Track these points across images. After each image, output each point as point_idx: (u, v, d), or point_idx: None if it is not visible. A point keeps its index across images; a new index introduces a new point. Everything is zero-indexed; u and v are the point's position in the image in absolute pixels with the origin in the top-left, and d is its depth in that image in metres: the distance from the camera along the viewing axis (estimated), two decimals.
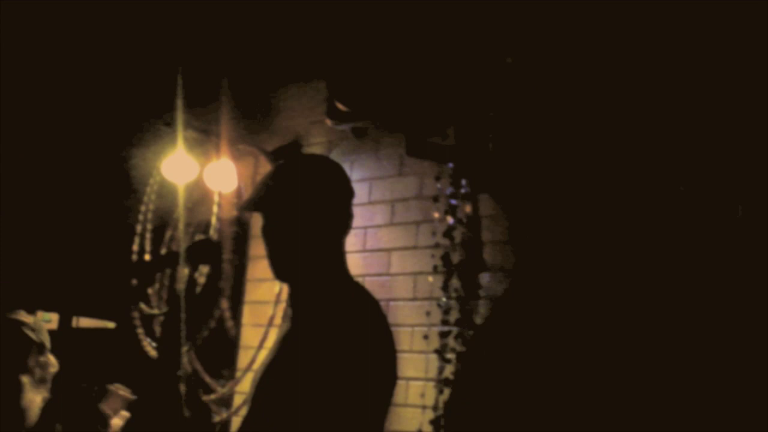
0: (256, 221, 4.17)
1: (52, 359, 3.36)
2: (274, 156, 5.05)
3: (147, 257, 5.30)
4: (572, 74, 3.50)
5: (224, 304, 5.11)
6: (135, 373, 5.48)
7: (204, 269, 5.00)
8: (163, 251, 5.39)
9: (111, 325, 6.16)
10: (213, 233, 5.00)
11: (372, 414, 2.31)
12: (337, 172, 2.56)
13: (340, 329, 2.29)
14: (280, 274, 2.49)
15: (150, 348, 5.27)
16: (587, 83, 3.43)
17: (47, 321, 6.96)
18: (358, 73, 4.04)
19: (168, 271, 5.27)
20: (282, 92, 5.29)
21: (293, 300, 2.49)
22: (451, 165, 4.07)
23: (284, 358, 2.39)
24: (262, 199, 2.47)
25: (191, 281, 2.83)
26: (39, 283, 5.80)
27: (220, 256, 4.78)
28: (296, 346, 2.35)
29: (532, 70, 3.59)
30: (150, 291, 5.32)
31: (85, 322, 6.79)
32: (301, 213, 2.43)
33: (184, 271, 2.71)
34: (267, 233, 2.47)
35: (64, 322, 6.82)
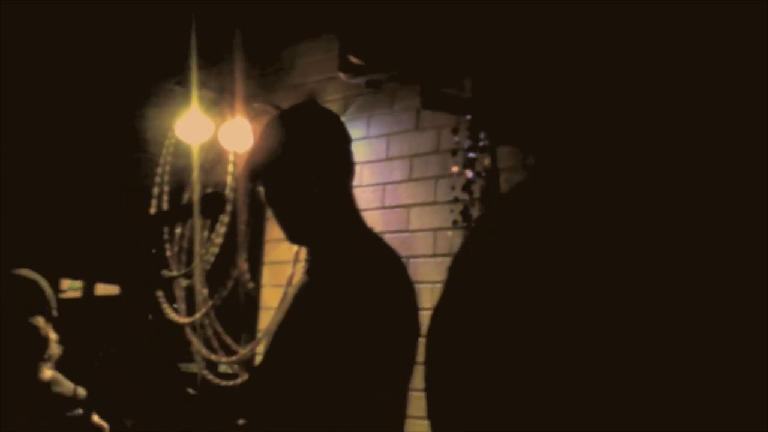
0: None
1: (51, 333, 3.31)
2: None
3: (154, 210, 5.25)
4: (593, 22, 3.40)
5: (243, 265, 5.06)
6: (155, 337, 5.46)
7: (221, 229, 4.95)
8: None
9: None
10: (229, 193, 4.94)
11: (394, 370, 2.24)
12: (324, 118, 2.49)
13: (358, 283, 2.24)
14: (292, 237, 2.45)
15: (171, 312, 5.24)
16: (609, 32, 3.33)
17: (74, 289, 6.94)
18: (370, 25, 3.96)
19: (185, 233, 5.24)
20: (296, 48, 5.21)
21: (311, 256, 2.43)
22: (468, 117, 3.99)
23: (301, 314, 2.34)
24: (255, 170, 2.41)
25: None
26: (61, 252, 5.77)
27: (226, 208, 4.71)
28: (314, 302, 2.30)
29: (550, 19, 3.49)
30: (169, 253, 5.28)
31: (106, 289, 6.75)
32: (297, 172, 2.35)
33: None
34: (270, 200, 2.41)
35: (88, 289, 6.80)
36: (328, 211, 2.38)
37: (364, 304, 2.20)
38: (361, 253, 2.34)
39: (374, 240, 2.42)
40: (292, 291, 2.49)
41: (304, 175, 2.35)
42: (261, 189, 2.42)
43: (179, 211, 3.04)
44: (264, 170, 2.39)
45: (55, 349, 3.28)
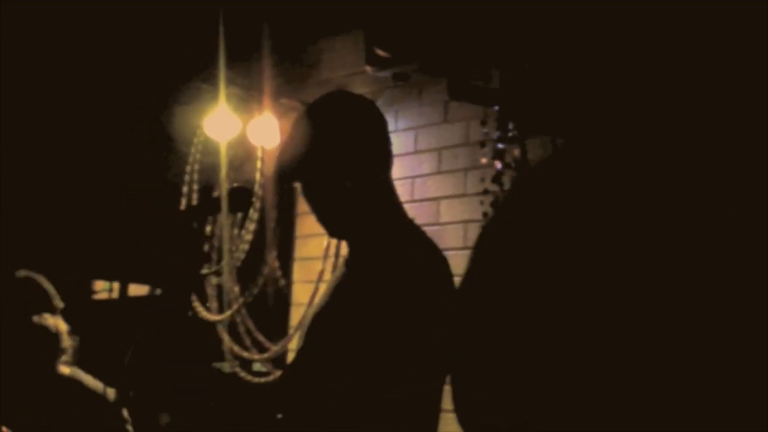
0: None
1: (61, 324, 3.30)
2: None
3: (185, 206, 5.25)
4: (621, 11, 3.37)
5: (273, 261, 5.06)
6: (186, 337, 5.46)
7: (251, 226, 4.94)
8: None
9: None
10: (258, 190, 4.93)
11: (426, 362, 2.21)
12: (355, 106, 2.42)
13: (391, 277, 2.20)
14: (331, 232, 2.40)
15: (202, 309, 5.24)
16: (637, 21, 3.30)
17: (108, 291, 6.96)
18: (396, 16, 3.94)
19: (215, 231, 5.23)
20: (322, 44, 5.20)
21: (349, 249, 2.39)
22: (496, 108, 3.96)
23: (336, 308, 2.31)
24: (288, 166, 2.36)
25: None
26: (94, 253, 5.79)
27: (253, 203, 4.69)
28: (348, 296, 2.27)
29: (578, 10, 3.46)
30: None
31: (139, 289, 6.77)
32: (330, 165, 2.29)
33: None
34: (307, 196, 2.35)
35: (124, 290, 6.82)
36: (364, 203, 2.32)
37: (396, 297, 2.16)
38: (395, 246, 2.29)
39: (411, 231, 2.37)
40: (329, 282, 2.44)
41: (337, 168, 2.29)
42: (297, 185, 2.41)
43: (207, 206, 3.03)
44: (297, 166, 2.33)
45: (68, 341, 3.27)
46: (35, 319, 3.23)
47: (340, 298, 2.32)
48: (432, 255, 2.31)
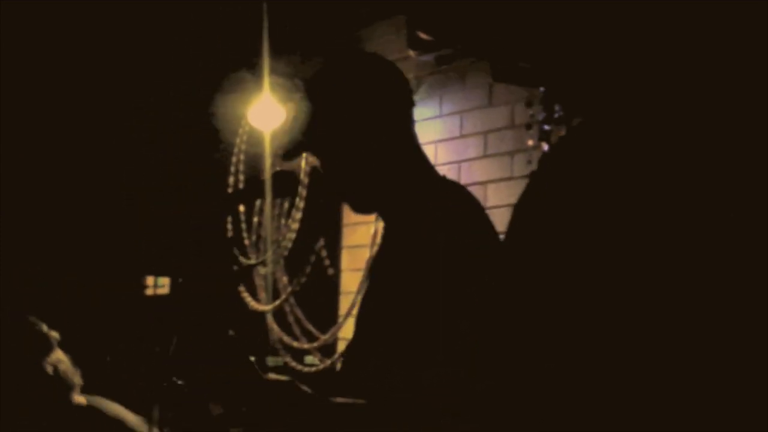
0: None
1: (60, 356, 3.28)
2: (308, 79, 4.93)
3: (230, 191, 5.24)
4: None
5: (321, 250, 5.05)
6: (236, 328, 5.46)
7: (297, 215, 4.93)
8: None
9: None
10: (304, 178, 4.91)
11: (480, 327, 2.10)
12: (374, 68, 2.20)
13: (439, 240, 2.00)
14: (361, 208, 2.22)
15: (251, 300, 5.24)
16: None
17: (161, 286, 6.99)
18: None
19: (262, 221, 5.23)
20: (365, 31, 5.17)
21: (385, 221, 2.21)
22: (542, 89, 3.91)
23: (386, 285, 2.14)
24: (303, 142, 2.16)
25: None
26: (144, 249, 5.81)
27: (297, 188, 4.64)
28: (397, 271, 2.08)
29: None
30: (246, 242, 5.28)
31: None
32: (352, 132, 2.09)
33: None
34: (327, 173, 2.16)
35: (175, 286, 6.83)
36: (391, 168, 2.13)
37: (448, 261, 1.98)
38: (436, 208, 2.08)
39: (449, 190, 2.17)
40: (371, 261, 2.28)
41: (356, 134, 2.10)
42: (315, 161, 2.24)
43: (251, 191, 2.97)
44: (312, 139, 2.13)
45: (74, 378, 3.26)
46: (38, 360, 3.22)
47: (390, 275, 2.14)
48: (478, 212, 2.12)
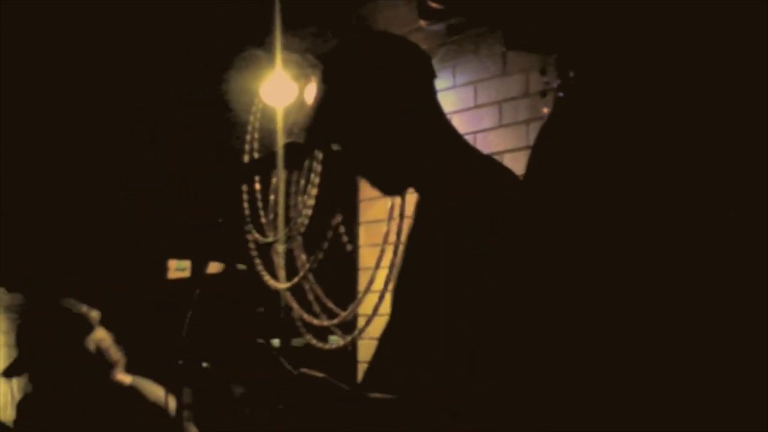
0: None
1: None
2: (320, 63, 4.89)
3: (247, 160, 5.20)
4: None
5: (338, 226, 5.01)
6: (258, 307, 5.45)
7: (313, 191, 4.90)
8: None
9: (242, 266, 6.14)
10: (318, 154, 4.87)
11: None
12: (389, 44, 2.13)
13: (480, 212, 1.93)
14: (392, 189, 2.15)
15: (269, 278, 5.22)
16: None
17: (182, 269, 6.98)
18: None
19: (278, 199, 5.20)
20: (376, 3, 5.12)
21: (420, 195, 2.14)
22: (556, 56, 3.85)
23: (426, 261, 2.06)
24: (325, 128, 2.07)
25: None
26: (165, 233, 5.81)
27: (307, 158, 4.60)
28: (438, 246, 2.01)
29: None
30: (263, 220, 5.25)
31: (213, 267, 6.78)
32: (376, 115, 2.02)
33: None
34: (354, 159, 2.08)
35: (200, 269, 6.78)
36: (423, 144, 2.06)
37: (485, 233, 1.89)
38: (472, 181, 2.02)
39: (481, 162, 2.12)
40: (407, 239, 2.17)
41: (385, 114, 2.02)
42: (334, 145, 2.09)
43: (262, 163, 2.94)
44: (337, 126, 2.05)
45: (115, 354, 3.27)
46: (79, 340, 3.23)
47: (424, 251, 2.08)
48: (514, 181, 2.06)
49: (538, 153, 1.45)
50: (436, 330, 1.98)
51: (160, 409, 3.11)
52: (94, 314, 3.28)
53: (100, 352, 3.23)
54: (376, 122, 2.02)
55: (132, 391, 3.23)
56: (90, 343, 3.23)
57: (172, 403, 3.20)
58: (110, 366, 3.25)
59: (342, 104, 2.04)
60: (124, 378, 3.27)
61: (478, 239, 1.90)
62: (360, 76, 2.04)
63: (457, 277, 1.92)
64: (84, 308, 3.26)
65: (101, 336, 3.27)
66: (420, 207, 2.16)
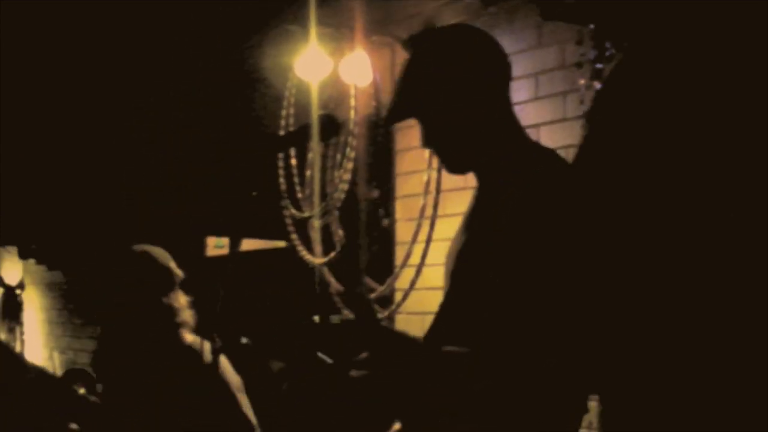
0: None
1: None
2: (408, 44, 4.88)
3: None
4: None
5: (375, 200, 5.01)
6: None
7: (349, 165, 4.89)
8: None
9: (281, 244, 6.16)
10: (354, 128, 4.87)
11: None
12: (479, 38, 2.36)
13: (538, 200, 2.13)
14: (457, 169, 2.36)
15: (306, 253, 5.23)
16: None
17: (220, 246, 7.00)
18: None
19: (314, 174, 5.20)
20: None
21: (479, 179, 2.34)
22: (592, 27, 3.81)
23: (480, 240, 2.23)
24: (407, 104, 2.29)
25: None
26: (204, 210, 5.84)
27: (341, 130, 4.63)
28: (495, 228, 2.18)
29: None
30: (300, 195, 5.26)
31: (251, 244, 6.80)
32: (455, 100, 2.25)
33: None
34: (429, 136, 2.30)
35: (234, 245, 6.79)
36: (489, 132, 2.28)
37: (549, 221, 2.10)
38: (529, 170, 2.22)
39: (544, 155, 2.31)
40: (463, 217, 2.38)
41: (460, 100, 2.25)
42: (418, 124, 2.32)
43: (296, 135, 3.00)
44: (418, 104, 2.28)
45: (187, 316, 3.31)
46: (155, 295, 3.27)
47: (481, 232, 2.25)
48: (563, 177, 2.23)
49: (588, 137, 1.48)
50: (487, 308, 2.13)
51: (216, 372, 3.15)
52: (179, 273, 3.33)
53: (174, 310, 3.28)
54: (452, 106, 2.25)
55: (191, 351, 3.27)
56: (171, 299, 3.28)
57: (228, 368, 3.26)
58: (179, 325, 3.29)
59: (425, 89, 2.27)
60: (190, 338, 3.31)
61: (528, 228, 2.09)
62: (445, 63, 2.27)
63: (509, 261, 2.10)
64: (172, 264, 3.32)
65: (178, 296, 3.32)
66: (479, 191, 2.36)
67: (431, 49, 2.33)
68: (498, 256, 2.13)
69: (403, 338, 2.20)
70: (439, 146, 2.31)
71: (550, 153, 2.32)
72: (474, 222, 2.31)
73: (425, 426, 2.17)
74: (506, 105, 2.31)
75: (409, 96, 2.29)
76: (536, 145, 2.37)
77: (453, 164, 2.34)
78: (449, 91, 2.25)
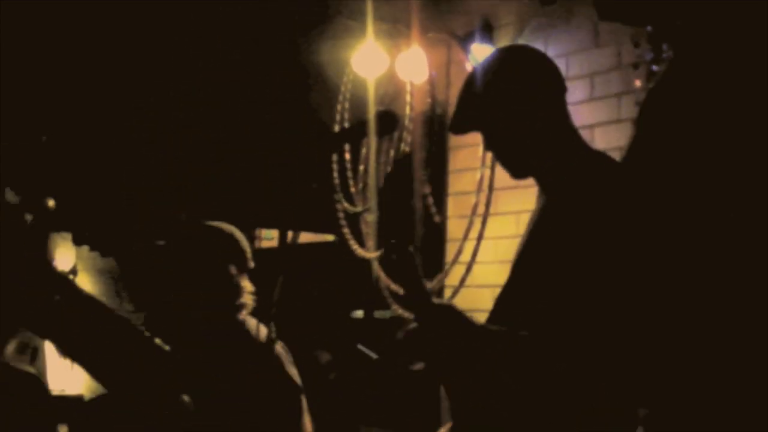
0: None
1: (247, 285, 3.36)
2: (464, 41, 4.89)
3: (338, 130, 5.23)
4: None
5: (429, 198, 5.03)
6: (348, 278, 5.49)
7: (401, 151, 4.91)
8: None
9: (330, 237, 6.20)
10: (409, 124, 4.89)
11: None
12: (534, 57, 2.53)
13: (598, 205, 2.27)
14: (518, 175, 2.51)
15: (357, 248, 5.26)
16: None
17: (269, 239, 7.04)
18: None
19: (368, 168, 5.23)
20: None
21: (540, 183, 2.50)
22: (649, 28, 3.80)
23: (542, 245, 2.38)
24: (471, 116, 2.48)
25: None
26: (255, 202, 5.87)
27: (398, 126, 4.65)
28: (554, 231, 2.34)
29: None
30: (353, 190, 5.29)
31: (303, 237, 6.83)
32: (516, 113, 2.42)
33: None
34: (491, 146, 2.48)
35: (284, 238, 6.83)
36: (549, 142, 2.45)
37: (607, 226, 2.22)
38: (592, 174, 2.38)
39: (598, 159, 2.46)
40: (530, 218, 2.55)
41: (521, 114, 2.43)
42: (481, 134, 2.49)
43: (354, 131, 3.02)
44: (482, 116, 2.46)
45: (248, 299, 3.34)
46: (224, 269, 3.30)
47: (544, 234, 2.40)
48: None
49: (638, 139, 1.50)
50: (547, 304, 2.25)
51: (270, 353, 3.17)
52: (250, 257, 3.37)
53: (240, 291, 3.31)
54: (515, 119, 2.44)
55: (245, 333, 3.30)
56: (240, 279, 3.32)
57: (281, 351, 3.29)
58: (240, 307, 3.33)
59: (492, 102, 2.46)
60: (246, 319, 3.34)
61: (586, 229, 2.23)
62: (504, 79, 2.47)
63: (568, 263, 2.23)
64: (248, 248, 3.37)
65: (247, 281, 3.36)
66: (540, 194, 2.52)
67: (491, 65, 2.51)
68: (557, 259, 2.27)
69: (457, 313, 2.34)
70: (501, 154, 2.50)
71: (602, 157, 2.46)
72: (538, 223, 2.47)
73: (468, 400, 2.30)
74: (561, 114, 2.48)
75: (472, 109, 2.49)
76: (589, 149, 2.50)
77: (514, 170, 2.51)
78: (509, 104, 2.44)
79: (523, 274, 2.42)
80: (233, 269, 3.30)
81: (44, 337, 3.14)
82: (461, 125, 2.53)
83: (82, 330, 2.72)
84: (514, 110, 2.43)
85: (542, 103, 2.45)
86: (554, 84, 2.50)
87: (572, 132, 2.49)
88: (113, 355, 2.78)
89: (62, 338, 2.78)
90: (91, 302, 2.76)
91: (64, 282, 2.72)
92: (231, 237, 3.35)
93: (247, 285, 3.34)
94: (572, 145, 2.48)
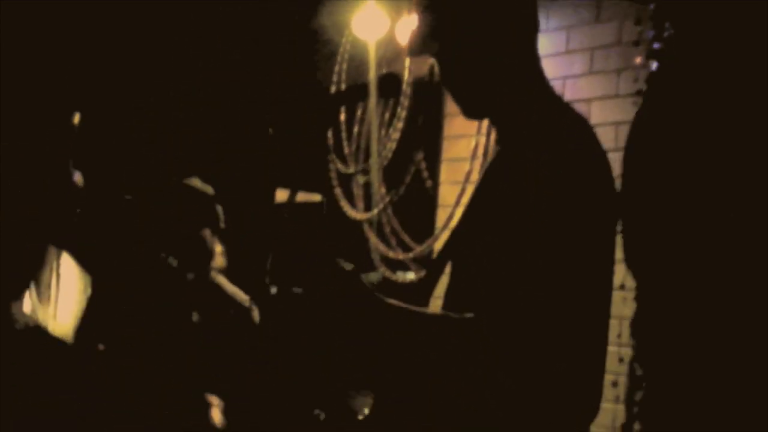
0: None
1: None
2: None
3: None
4: None
5: (421, 162, 5.05)
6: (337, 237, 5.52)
7: (398, 125, 4.93)
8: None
9: (317, 197, 6.21)
10: (406, 89, 4.90)
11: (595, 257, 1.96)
12: None
13: (553, 155, 1.97)
14: (470, 111, 2.20)
15: (348, 208, 5.28)
16: None
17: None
18: None
19: (362, 130, 5.24)
20: None
21: (497, 128, 2.21)
22: (652, 6, 3.82)
23: (491, 192, 2.12)
24: (428, 39, 2.14)
25: None
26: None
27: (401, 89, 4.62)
28: (504, 180, 2.07)
29: None
30: (347, 151, 5.30)
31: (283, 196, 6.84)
32: (475, 36, 2.10)
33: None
34: (446, 71, 2.15)
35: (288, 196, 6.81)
36: (509, 77, 2.14)
37: (560, 179, 1.94)
38: (551, 123, 2.07)
39: (562, 108, 2.16)
40: (486, 168, 2.22)
41: (481, 38, 2.11)
42: (434, 64, 2.18)
43: (355, 92, 3.00)
44: (437, 37, 2.14)
45: (220, 262, 3.34)
46: (197, 231, 3.30)
47: (496, 183, 2.13)
48: (589, 132, 2.09)
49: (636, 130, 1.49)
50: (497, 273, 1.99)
51: (244, 311, 3.18)
52: (222, 223, 3.37)
53: (212, 254, 3.32)
54: (472, 42, 2.11)
55: (220, 291, 3.31)
56: (212, 241, 3.33)
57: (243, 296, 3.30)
58: (212, 269, 3.34)
59: (450, 28, 2.13)
60: (218, 278, 3.35)
61: (542, 185, 1.94)
62: (473, 7, 2.12)
63: (521, 218, 1.95)
64: (220, 211, 3.34)
65: (216, 242, 3.37)
66: (498, 143, 2.22)
67: None
68: (497, 225, 2.03)
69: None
70: (457, 86, 2.18)
71: (577, 118, 2.14)
72: (489, 180, 2.20)
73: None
74: (530, 55, 2.18)
75: (430, 28, 2.15)
76: (562, 104, 2.20)
77: (468, 106, 2.19)
78: (470, 27, 2.11)
79: (465, 237, 2.21)
80: (207, 233, 3.30)
81: (63, 248, 3.12)
82: (422, 47, 2.18)
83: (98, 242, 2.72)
84: (475, 31, 2.10)
85: (512, 33, 2.13)
86: (525, 14, 2.17)
87: (541, 77, 2.18)
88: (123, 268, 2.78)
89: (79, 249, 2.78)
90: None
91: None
92: (205, 199, 3.33)
93: (218, 247, 3.34)
94: (538, 90, 2.16)
